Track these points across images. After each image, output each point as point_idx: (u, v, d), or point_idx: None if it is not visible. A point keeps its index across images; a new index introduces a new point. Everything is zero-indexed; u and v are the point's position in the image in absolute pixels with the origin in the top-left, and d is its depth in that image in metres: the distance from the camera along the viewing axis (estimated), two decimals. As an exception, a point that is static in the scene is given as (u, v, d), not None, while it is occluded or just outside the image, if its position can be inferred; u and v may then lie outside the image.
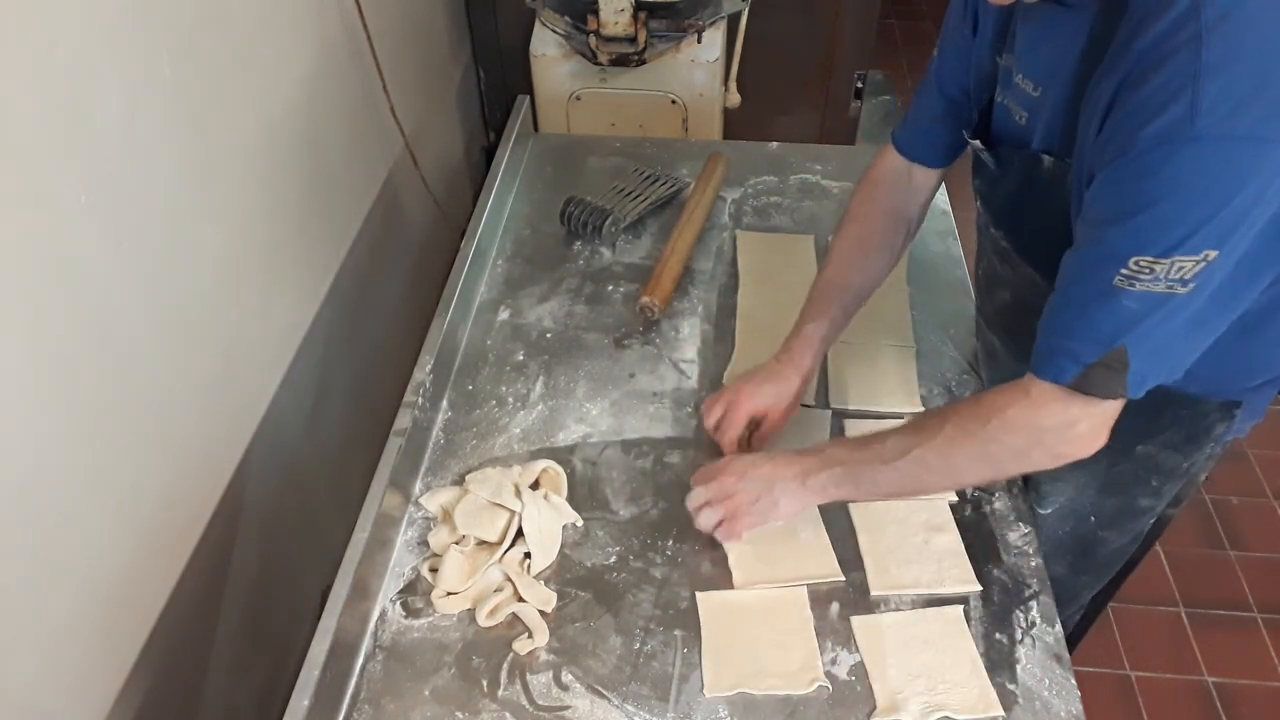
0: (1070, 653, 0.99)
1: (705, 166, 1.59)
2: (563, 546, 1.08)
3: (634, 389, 1.27)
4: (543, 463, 1.14)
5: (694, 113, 1.99)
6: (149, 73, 0.95)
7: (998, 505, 1.12)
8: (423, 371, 1.20)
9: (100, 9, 0.86)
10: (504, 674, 0.97)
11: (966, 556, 1.06)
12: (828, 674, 0.96)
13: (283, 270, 1.28)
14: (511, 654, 0.98)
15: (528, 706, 0.94)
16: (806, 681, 0.95)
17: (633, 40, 1.84)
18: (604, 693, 0.95)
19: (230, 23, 1.10)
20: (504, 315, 1.39)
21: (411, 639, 1.00)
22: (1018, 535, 1.09)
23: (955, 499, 1.12)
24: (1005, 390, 0.88)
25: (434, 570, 1.04)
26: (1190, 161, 0.71)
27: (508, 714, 0.93)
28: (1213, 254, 0.73)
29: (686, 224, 1.47)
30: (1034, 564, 1.06)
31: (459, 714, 0.94)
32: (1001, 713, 0.92)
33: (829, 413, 1.22)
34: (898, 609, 1.02)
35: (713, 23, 1.90)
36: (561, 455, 1.18)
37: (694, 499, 1.04)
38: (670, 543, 1.08)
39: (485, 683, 0.96)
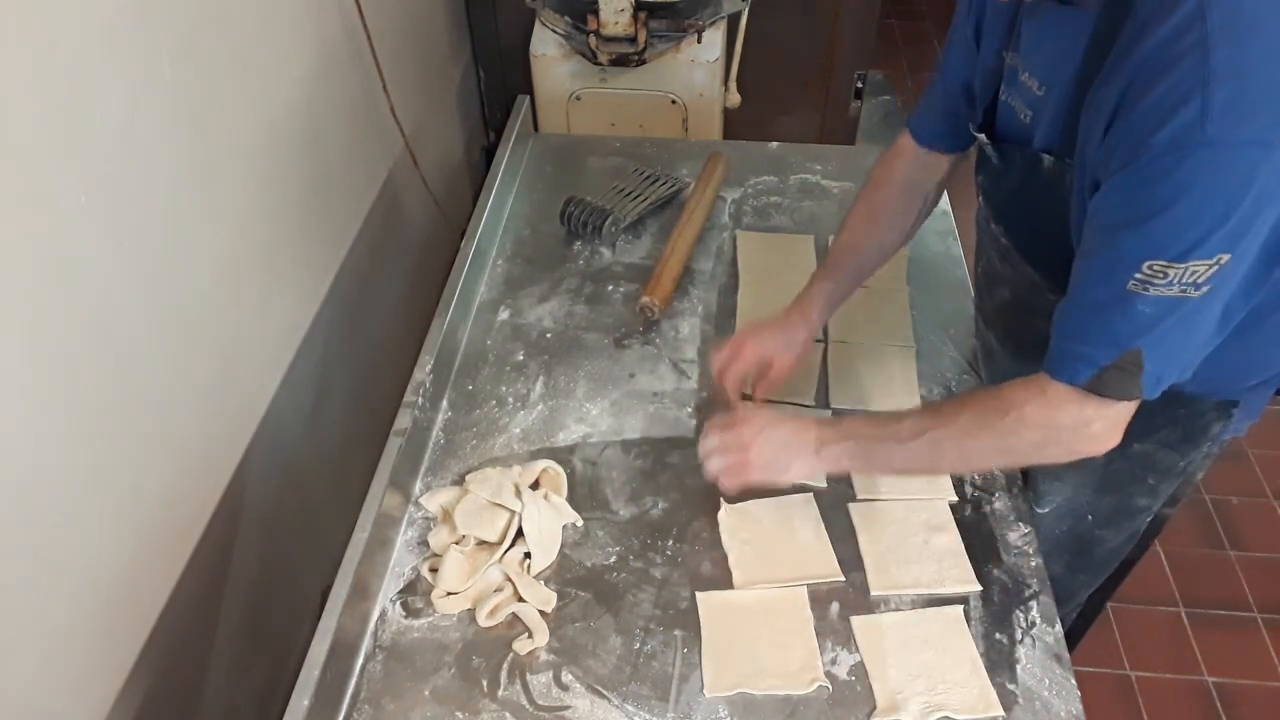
0: (1069, 652, 0.99)
1: (705, 166, 1.59)
2: (563, 546, 1.08)
3: (634, 389, 1.27)
4: (543, 463, 1.14)
5: (694, 113, 1.99)
6: (149, 73, 0.95)
7: (998, 505, 1.12)
8: (423, 371, 1.20)
9: (100, 9, 0.86)
10: (504, 674, 0.97)
11: (966, 556, 1.06)
12: (828, 674, 0.96)
13: (283, 270, 1.28)
14: (511, 654, 0.98)
15: (528, 706, 0.94)
16: (806, 681, 0.95)
17: (633, 40, 1.84)
18: (604, 693, 0.95)
19: (230, 23, 1.10)
20: (504, 315, 1.39)
21: (411, 639, 1.00)
22: (1018, 535, 1.09)
23: (955, 499, 1.12)
24: (1022, 386, 0.89)
25: (434, 570, 1.04)
26: (1203, 166, 0.71)
27: (508, 714, 0.93)
28: (1225, 257, 0.74)
29: (686, 224, 1.47)
30: (1034, 564, 1.06)
31: (459, 714, 0.94)
32: (1001, 713, 0.92)
33: (829, 412, 1.22)
34: (898, 609, 1.02)
35: (713, 23, 1.90)
36: (561, 455, 1.18)
37: (707, 444, 1.04)
38: (670, 543, 1.08)
39: (485, 683, 0.96)
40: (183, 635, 1.07)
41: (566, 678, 0.96)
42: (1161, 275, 0.75)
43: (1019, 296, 1.09)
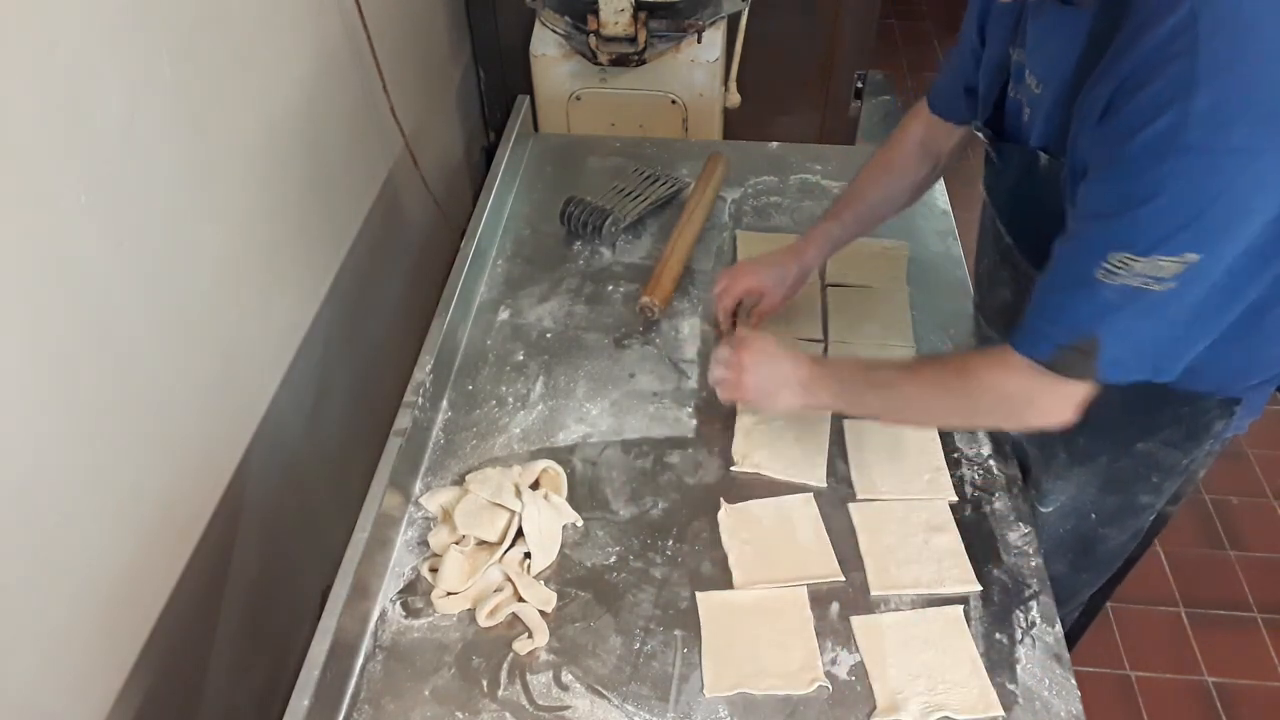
0: (1069, 651, 0.99)
1: (705, 166, 1.59)
2: (563, 546, 1.08)
3: (634, 389, 1.27)
4: (543, 463, 1.14)
5: (694, 113, 1.99)
6: (149, 73, 0.94)
7: (998, 505, 1.12)
8: (423, 371, 1.20)
9: (100, 9, 0.86)
10: (504, 674, 0.97)
11: (966, 556, 1.06)
12: (828, 674, 0.96)
13: (283, 270, 1.28)
14: (511, 654, 0.98)
15: (528, 706, 0.94)
16: (806, 681, 0.95)
17: (633, 40, 1.84)
18: (604, 693, 0.95)
19: (230, 23, 1.10)
20: (504, 315, 1.39)
21: (411, 639, 1.00)
22: (1018, 535, 1.09)
23: (955, 499, 1.12)
24: (988, 354, 0.94)
25: (434, 570, 1.04)
26: (1177, 169, 0.73)
27: (508, 714, 0.93)
28: (1193, 257, 0.75)
29: (686, 224, 1.47)
30: (1034, 564, 1.06)
31: (459, 714, 0.94)
32: (1001, 713, 0.92)
33: (829, 412, 1.22)
34: (898, 609, 1.02)
35: (713, 23, 1.90)
36: (561, 455, 1.18)
37: (716, 354, 1.13)
38: (670, 543, 1.08)
39: (485, 683, 0.96)
40: (183, 635, 1.07)
41: (566, 678, 0.96)
42: (1126, 267, 0.77)
43: (1020, 296, 1.09)
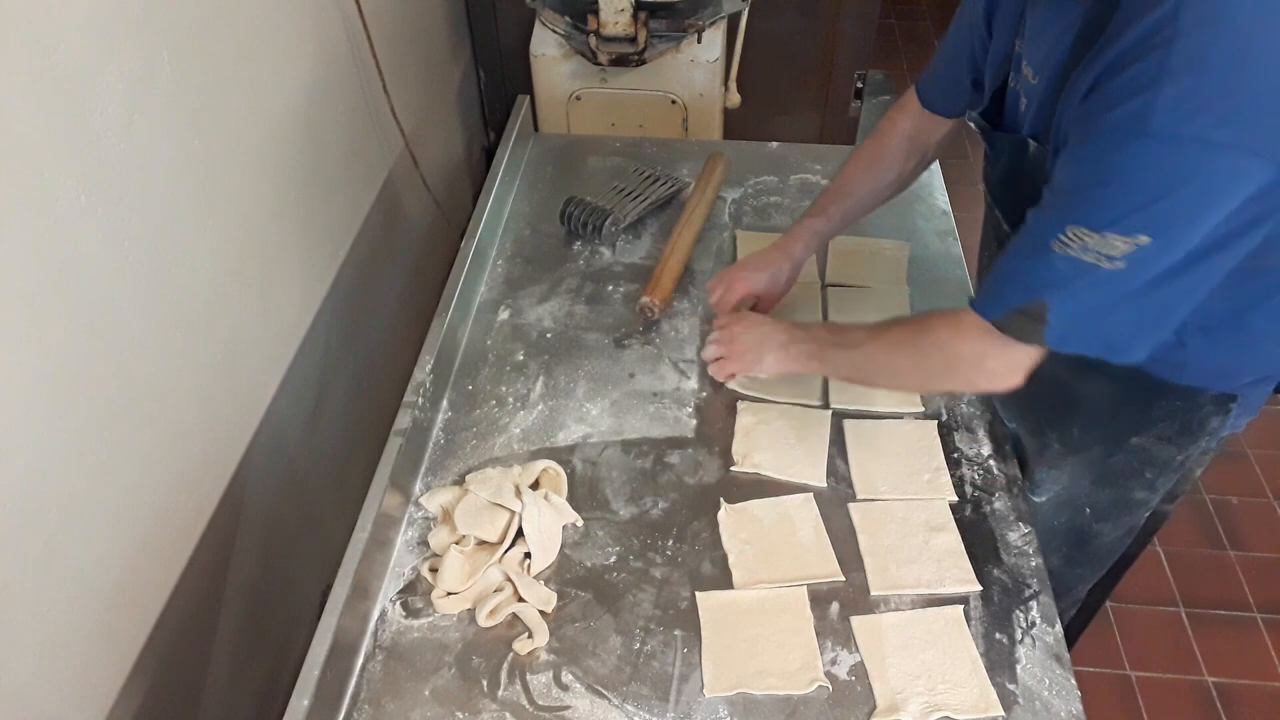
0: (1068, 649, 0.99)
1: (705, 166, 1.59)
2: (563, 546, 1.08)
3: (634, 389, 1.27)
4: (543, 463, 1.14)
5: (694, 113, 1.99)
6: (149, 73, 0.95)
7: (998, 505, 1.12)
8: (423, 371, 1.20)
9: (100, 9, 0.86)
10: (504, 674, 0.97)
11: (966, 556, 1.06)
12: (828, 674, 0.96)
13: (283, 270, 1.28)
14: (511, 654, 0.98)
15: (528, 706, 0.94)
16: (806, 681, 0.95)
17: (633, 40, 1.84)
18: (604, 693, 0.95)
19: (230, 23, 1.10)
20: (504, 315, 1.39)
21: (411, 639, 1.00)
22: (1018, 535, 1.09)
23: (955, 499, 1.12)
24: (946, 313, 0.97)
25: (434, 570, 1.04)
26: (1137, 153, 0.75)
27: (508, 714, 0.93)
28: (1144, 239, 0.77)
29: (686, 224, 1.47)
30: (1034, 564, 1.06)
31: (459, 714, 0.94)
32: (1001, 713, 0.92)
33: (829, 412, 1.22)
34: (898, 609, 1.02)
35: (713, 23, 1.90)
36: (561, 455, 1.18)
37: (710, 338, 1.23)
38: (670, 543, 1.08)
39: (485, 683, 0.96)
40: (183, 635, 1.07)
41: (566, 678, 0.96)
42: (1080, 240, 0.80)
43: None
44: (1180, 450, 1.09)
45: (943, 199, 1.59)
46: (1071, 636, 1.45)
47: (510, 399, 1.26)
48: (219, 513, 1.13)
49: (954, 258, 1.48)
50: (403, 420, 1.14)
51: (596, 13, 1.81)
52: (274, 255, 1.25)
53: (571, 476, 1.15)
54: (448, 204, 1.99)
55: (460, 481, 1.13)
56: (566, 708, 0.94)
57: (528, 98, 1.77)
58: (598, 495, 1.14)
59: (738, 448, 1.18)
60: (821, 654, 0.97)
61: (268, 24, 1.20)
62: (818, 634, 0.99)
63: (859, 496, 1.13)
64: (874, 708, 0.93)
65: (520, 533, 1.06)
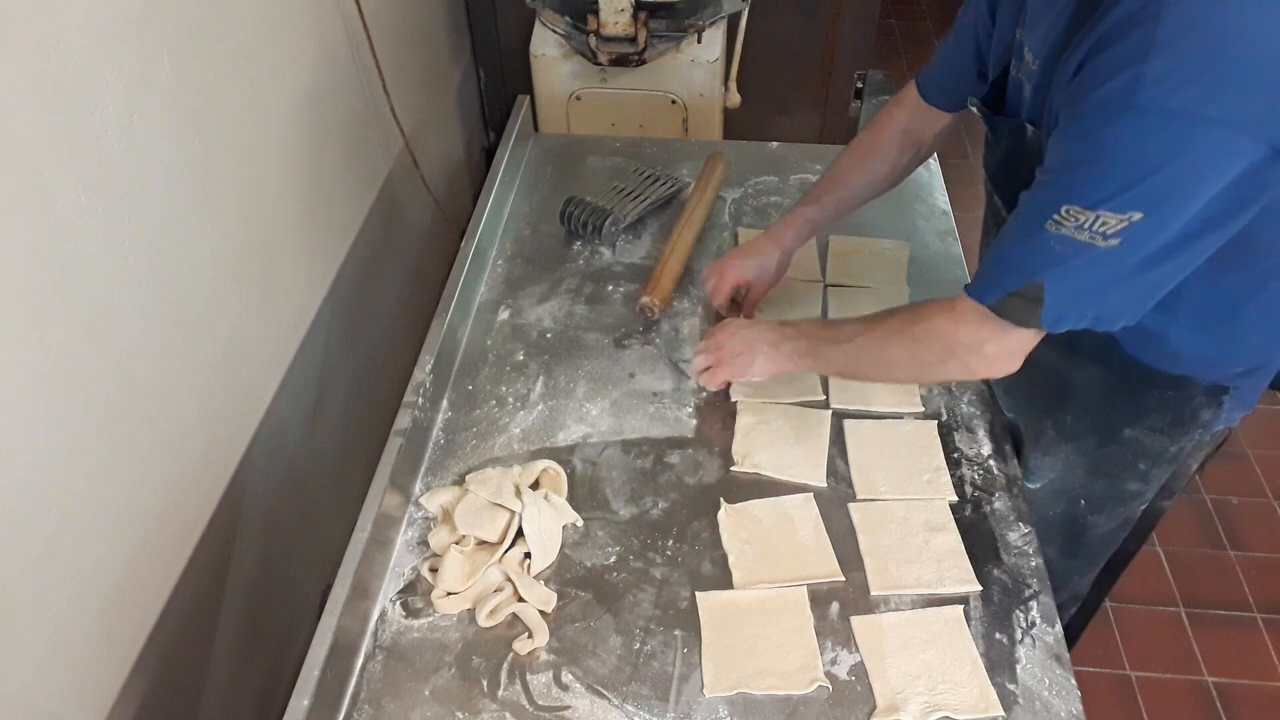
0: (1069, 648, 0.99)
1: (705, 166, 1.59)
2: (563, 546, 1.08)
3: (634, 389, 1.27)
4: (543, 463, 1.14)
5: (694, 113, 1.99)
6: (149, 73, 0.95)
7: (998, 505, 1.12)
8: (423, 371, 1.20)
9: (100, 9, 0.86)
10: (504, 674, 0.97)
11: (966, 556, 1.06)
12: (828, 674, 0.96)
13: (283, 270, 1.28)
14: (511, 654, 0.98)
15: (528, 706, 0.94)
16: (806, 681, 0.95)
17: (633, 40, 1.84)
18: (604, 693, 0.95)
19: (230, 23, 1.10)
20: (504, 315, 1.39)
21: (411, 639, 1.00)
22: (1018, 535, 1.09)
23: (955, 499, 1.12)
24: (941, 301, 0.97)
25: (434, 570, 1.04)
26: (1126, 128, 0.75)
27: (508, 714, 0.93)
28: (1137, 215, 0.77)
29: (686, 224, 1.47)
30: (1034, 564, 1.06)
31: (459, 714, 0.94)
32: (1001, 713, 0.92)
33: (829, 413, 1.22)
34: (898, 609, 1.02)
35: (713, 23, 1.90)
36: (561, 455, 1.18)
37: (697, 349, 1.22)
38: (670, 543, 1.08)
39: (485, 683, 0.96)
40: (183, 635, 1.07)
41: (566, 678, 0.96)
42: (1074, 219, 0.80)
43: None
44: (1173, 442, 1.09)
45: (943, 199, 1.59)
46: (1072, 635, 1.45)
47: (510, 399, 1.26)
48: (219, 513, 1.13)
49: (954, 258, 1.48)
50: (403, 420, 1.14)
51: (596, 13, 1.81)
52: (274, 255, 1.25)
53: (571, 476, 1.15)
54: (448, 204, 1.99)
55: (460, 481, 1.13)
56: (566, 708, 0.94)
57: (528, 98, 1.77)
58: (598, 495, 1.14)
59: (738, 448, 1.18)
60: (821, 654, 0.97)
61: (268, 24, 1.20)
62: (818, 634, 0.99)
63: (859, 496, 1.13)
64: (874, 708, 0.93)
65: (520, 533, 1.06)
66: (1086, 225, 0.79)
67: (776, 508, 1.11)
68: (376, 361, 1.64)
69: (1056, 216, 0.81)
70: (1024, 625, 1.00)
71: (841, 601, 1.02)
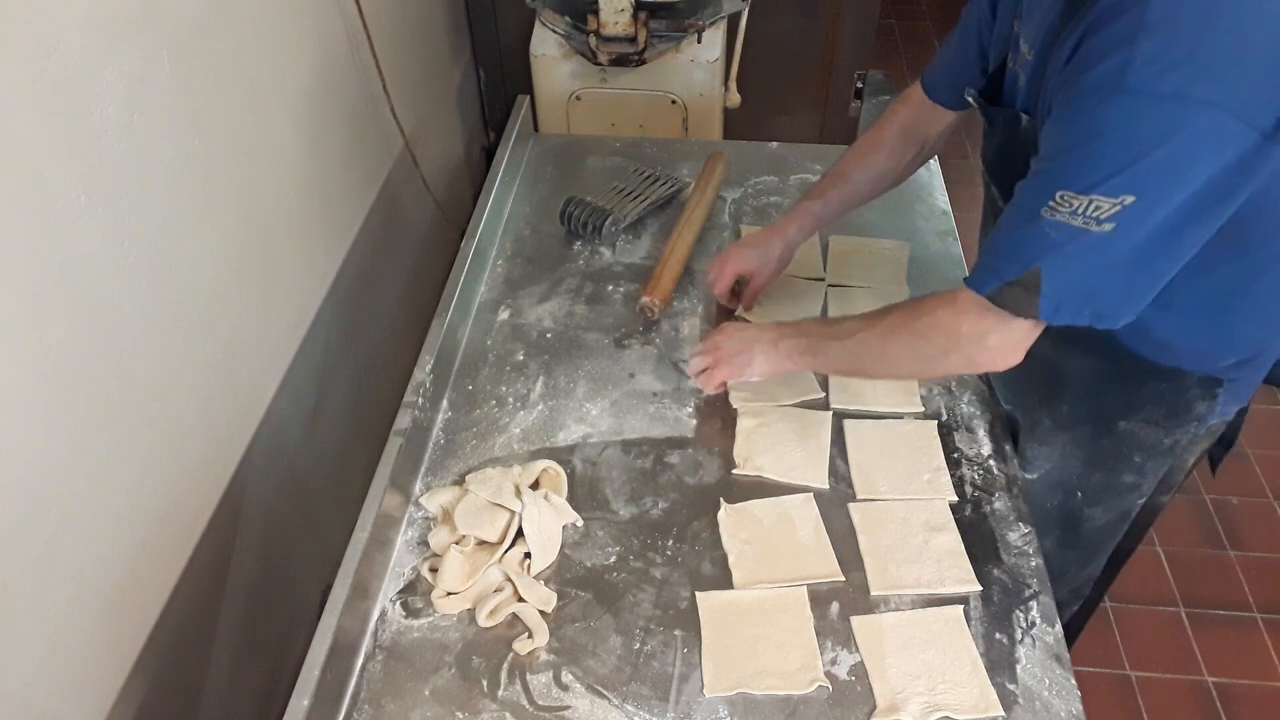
0: (1069, 645, 0.99)
1: (705, 166, 1.59)
2: (563, 546, 1.08)
3: (634, 389, 1.27)
4: (543, 463, 1.14)
5: (694, 113, 1.99)
6: (149, 73, 0.95)
7: (998, 505, 1.12)
8: (423, 371, 1.20)
9: (100, 9, 0.86)
10: (504, 674, 0.97)
11: (966, 556, 1.06)
12: (828, 674, 0.96)
13: (283, 270, 1.28)
14: (511, 654, 0.98)
15: (528, 706, 0.94)
16: (806, 681, 0.95)
17: (633, 40, 1.84)
18: (604, 693, 0.95)
19: (230, 23, 1.10)
20: (504, 315, 1.39)
21: (411, 639, 1.00)
22: (1018, 535, 1.09)
23: (955, 499, 1.12)
24: (941, 295, 0.97)
25: (434, 570, 1.04)
26: (1117, 111, 0.76)
27: (508, 714, 0.93)
28: (1130, 199, 0.78)
29: (686, 224, 1.47)
30: (1034, 564, 1.06)
31: (459, 714, 0.94)
32: (1001, 713, 0.92)
33: (829, 413, 1.22)
34: (898, 609, 1.02)
35: (713, 23, 1.90)
36: (561, 455, 1.18)
37: (694, 351, 1.22)
38: (670, 543, 1.08)
39: (485, 683, 0.96)
40: (183, 635, 1.07)
41: (566, 678, 0.96)
42: (1068, 204, 0.80)
43: None
44: (1168, 434, 1.10)
45: (943, 199, 1.59)
46: (1072, 633, 1.45)
47: (510, 399, 1.26)
48: (219, 513, 1.13)
49: (954, 258, 1.48)
50: (403, 420, 1.14)
51: (596, 13, 1.81)
52: (274, 255, 1.25)
53: (571, 476, 1.15)
54: (448, 204, 1.99)
55: (460, 481, 1.13)
56: (566, 708, 0.94)
57: (528, 98, 1.77)
58: (598, 495, 1.14)
59: (739, 451, 1.18)
60: (821, 654, 0.97)
61: (268, 24, 1.20)
62: (818, 634, 0.99)
63: (859, 496, 1.13)
64: (874, 708, 0.93)
65: (520, 533, 1.06)
66: (1080, 210, 0.80)
67: (776, 508, 1.11)
68: (376, 361, 1.64)
69: (1051, 203, 0.81)
70: (1024, 625, 1.00)
71: (841, 601, 1.02)
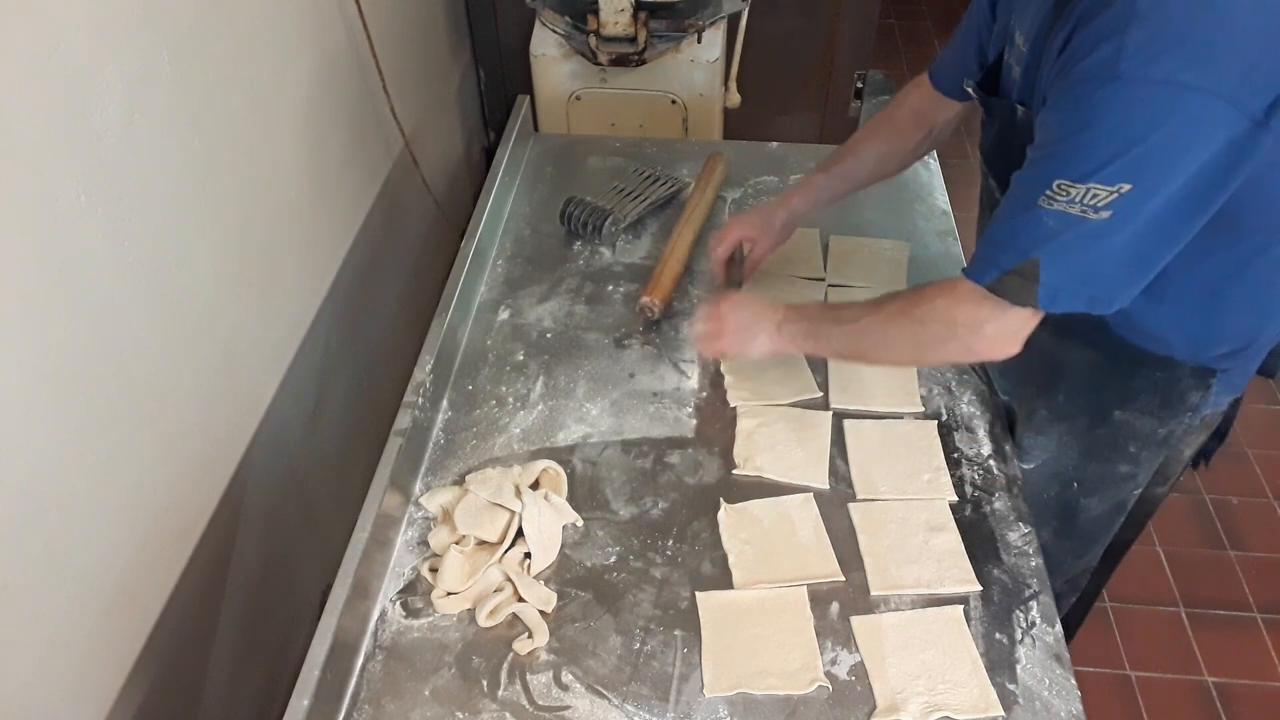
0: (1067, 640, 0.99)
1: (705, 166, 1.59)
2: (563, 546, 1.08)
3: (634, 389, 1.27)
4: (543, 463, 1.14)
5: (694, 113, 1.99)
6: (149, 73, 0.95)
7: (998, 505, 1.12)
8: (423, 371, 1.20)
9: (100, 9, 0.86)
10: (504, 674, 0.97)
11: (966, 556, 1.06)
12: (828, 674, 0.96)
13: (283, 270, 1.28)
14: (511, 654, 0.98)
15: (528, 706, 0.94)
16: (806, 681, 0.95)
17: (633, 40, 1.84)
18: (604, 693, 0.95)
19: (230, 23, 1.10)
20: (504, 315, 1.39)
21: (411, 639, 1.00)
22: (1018, 535, 1.09)
23: (955, 499, 1.12)
24: (940, 283, 0.97)
25: (434, 570, 1.04)
26: (1111, 98, 0.77)
27: (508, 714, 0.93)
28: (1126, 186, 0.78)
29: (686, 224, 1.47)
30: (1034, 564, 1.06)
31: (459, 714, 0.94)
32: (1001, 713, 0.92)
33: (829, 413, 1.22)
34: (898, 609, 1.02)
35: (713, 23, 1.90)
36: (561, 455, 1.18)
37: (696, 315, 1.21)
38: (670, 543, 1.08)
39: (485, 683, 0.96)
40: (183, 635, 1.07)
41: (566, 678, 0.96)
42: (1065, 193, 0.81)
43: None
44: (1162, 424, 1.10)
45: (943, 199, 1.59)
46: (1070, 629, 1.45)
47: (510, 399, 1.26)
48: (219, 513, 1.13)
49: (954, 258, 1.48)
50: (403, 420, 1.14)
51: (596, 13, 1.81)
52: (274, 255, 1.25)
53: (571, 476, 1.15)
54: (448, 204, 1.99)
55: (460, 481, 1.13)
56: (566, 708, 0.94)
57: (528, 98, 1.77)
58: (598, 495, 1.14)
59: (739, 451, 1.18)
60: (821, 654, 0.97)
61: (268, 24, 1.20)
62: (818, 634, 0.99)
63: (859, 496, 1.13)
64: (874, 708, 0.93)
65: (520, 533, 1.06)
66: (1078, 199, 0.80)
67: (776, 508, 1.11)
68: (376, 361, 1.64)
69: (1049, 192, 0.82)
70: (1024, 625, 1.00)
71: (841, 601, 1.02)
